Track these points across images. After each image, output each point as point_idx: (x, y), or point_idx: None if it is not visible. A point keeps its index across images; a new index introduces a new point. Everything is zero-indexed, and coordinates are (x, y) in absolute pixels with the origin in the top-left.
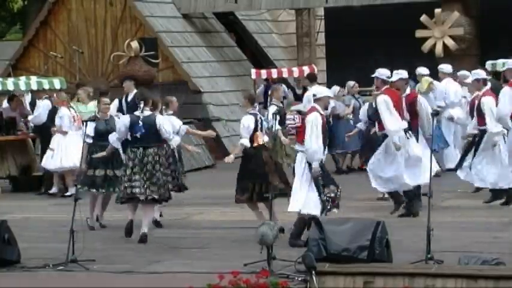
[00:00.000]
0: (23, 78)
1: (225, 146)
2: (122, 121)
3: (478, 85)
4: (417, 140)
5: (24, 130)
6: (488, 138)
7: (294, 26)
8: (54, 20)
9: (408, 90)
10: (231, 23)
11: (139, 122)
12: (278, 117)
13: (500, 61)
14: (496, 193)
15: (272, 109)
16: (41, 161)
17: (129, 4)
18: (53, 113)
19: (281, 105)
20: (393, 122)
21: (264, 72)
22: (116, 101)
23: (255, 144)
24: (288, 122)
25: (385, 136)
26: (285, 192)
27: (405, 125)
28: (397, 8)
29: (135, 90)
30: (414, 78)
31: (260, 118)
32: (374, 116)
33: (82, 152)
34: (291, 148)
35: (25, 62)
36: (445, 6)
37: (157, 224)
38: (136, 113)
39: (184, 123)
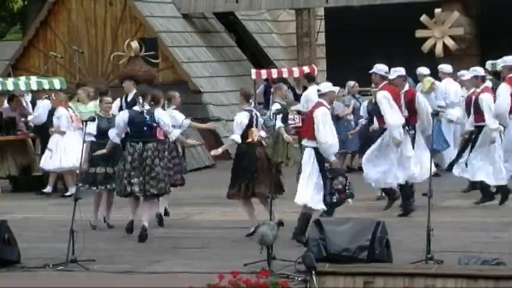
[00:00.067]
0: (23, 78)
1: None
2: (121, 116)
3: (477, 82)
4: (414, 138)
5: (24, 130)
6: (486, 135)
7: (294, 26)
8: (54, 20)
9: (407, 87)
10: (231, 23)
11: (146, 116)
12: (280, 116)
13: (500, 61)
14: (486, 193)
15: (275, 107)
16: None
17: (129, 4)
18: (53, 113)
19: (284, 103)
20: (395, 116)
21: (264, 72)
22: (118, 101)
23: (249, 140)
24: (289, 121)
25: (383, 131)
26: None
27: (403, 119)
28: (397, 8)
29: (134, 90)
30: (415, 78)
31: (256, 115)
32: (373, 111)
33: (82, 152)
34: (294, 147)
35: (25, 62)
36: (445, 6)
37: (160, 219)
38: (135, 108)
39: None
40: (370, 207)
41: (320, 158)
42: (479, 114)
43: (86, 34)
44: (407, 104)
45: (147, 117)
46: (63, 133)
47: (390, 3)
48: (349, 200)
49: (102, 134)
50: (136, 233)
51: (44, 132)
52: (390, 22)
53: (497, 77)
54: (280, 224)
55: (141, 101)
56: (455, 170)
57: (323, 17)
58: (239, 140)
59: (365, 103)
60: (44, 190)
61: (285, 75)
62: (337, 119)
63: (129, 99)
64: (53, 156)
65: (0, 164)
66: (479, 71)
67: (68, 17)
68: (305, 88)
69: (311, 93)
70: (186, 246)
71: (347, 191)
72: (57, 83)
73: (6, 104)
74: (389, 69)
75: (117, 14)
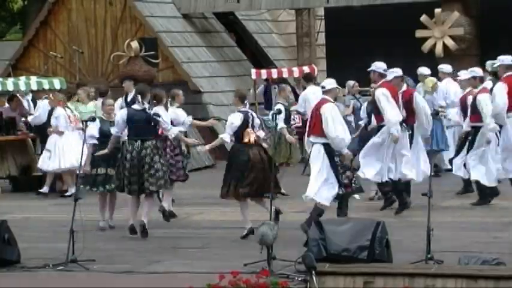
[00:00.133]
0: (23, 78)
1: (225, 146)
2: (120, 115)
3: (475, 82)
4: (412, 139)
5: (24, 130)
6: (483, 135)
7: (294, 26)
8: (54, 20)
9: (404, 87)
10: (231, 23)
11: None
12: (282, 116)
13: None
14: (483, 194)
15: (279, 108)
16: None
17: (129, 4)
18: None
19: (287, 104)
20: (393, 113)
21: (264, 72)
22: (119, 101)
23: (245, 141)
24: (291, 122)
25: (380, 128)
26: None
27: (401, 117)
28: (397, 8)
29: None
30: (415, 78)
31: (251, 115)
32: (371, 110)
33: (82, 152)
34: (297, 148)
35: (25, 62)
36: (445, 6)
37: (164, 214)
38: (135, 106)
39: None
40: (370, 207)
41: (330, 153)
42: (476, 115)
43: (86, 34)
44: (405, 104)
45: (146, 115)
46: (61, 133)
47: (390, 3)
48: (356, 195)
49: (104, 136)
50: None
51: (44, 132)
52: (390, 22)
53: (497, 77)
54: (279, 211)
55: (139, 99)
56: (454, 169)
57: (323, 17)
58: (228, 140)
59: (365, 104)
60: (41, 190)
61: (285, 75)
62: None
63: (129, 99)
64: (51, 156)
65: (0, 164)
66: (477, 71)
67: (68, 17)
68: (305, 88)
69: (309, 94)
70: (186, 246)
71: (353, 185)
72: (57, 83)
73: (6, 104)
74: (389, 68)
75: (117, 14)
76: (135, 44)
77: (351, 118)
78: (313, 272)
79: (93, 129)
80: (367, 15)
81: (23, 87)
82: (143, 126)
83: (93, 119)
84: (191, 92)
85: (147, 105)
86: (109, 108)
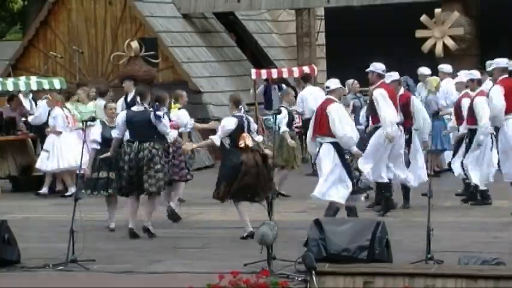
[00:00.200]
0: (23, 78)
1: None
2: (120, 117)
3: (472, 85)
4: (410, 141)
5: (24, 130)
6: (477, 137)
7: (294, 26)
8: (54, 20)
9: (402, 91)
10: (231, 23)
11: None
12: (286, 120)
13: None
14: (483, 195)
15: (282, 112)
16: None
17: (129, 4)
18: None
19: (291, 109)
20: (390, 113)
21: (264, 72)
22: (120, 101)
23: (241, 146)
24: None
25: (377, 129)
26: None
27: (398, 119)
28: (397, 8)
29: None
30: (415, 78)
31: (246, 121)
32: (369, 111)
33: (82, 152)
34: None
35: (25, 62)
36: (445, 6)
37: (171, 213)
38: (134, 108)
39: None
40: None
41: (340, 152)
42: (473, 118)
43: (86, 34)
44: (402, 107)
45: (145, 116)
46: (59, 133)
47: (390, 3)
48: (362, 198)
49: (106, 141)
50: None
51: (44, 132)
52: (390, 22)
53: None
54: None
55: (139, 100)
56: (455, 173)
57: (323, 17)
58: (217, 142)
59: (364, 108)
60: (40, 192)
61: (285, 75)
62: None
63: (129, 99)
64: (49, 157)
65: (0, 164)
66: (475, 74)
67: (68, 17)
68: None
69: (307, 94)
70: (186, 246)
71: (359, 185)
72: (57, 83)
73: (6, 104)
74: (389, 69)
75: (117, 14)
76: (135, 44)
77: (351, 117)
78: (313, 272)
79: (96, 134)
80: (367, 15)
81: (23, 87)
82: (142, 127)
83: (93, 119)
84: (191, 92)
85: (147, 107)
86: (111, 112)
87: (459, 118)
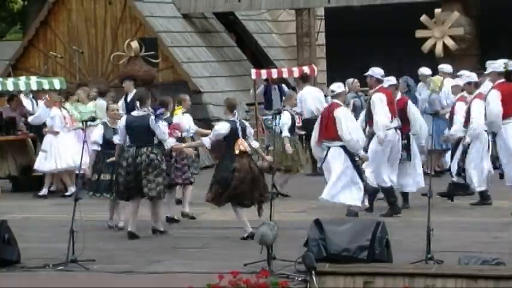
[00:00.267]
0: (23, 78)
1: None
2: (120, 122)
3: (469, 88)
4: (409, 147)
5: (24, 130)
6: (477, 140)
7: (294, 26)
8: (54, 20)
9: (399, 95)
10: (231, 23)
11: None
12: (288, 124)
13: (500, 61)
14: (483, 196)
15: (285, 115)
16: None
17: (129, 4)
18: None
19: (293, 112)
20: (383, 117)
21: (264, 72)
22: (120, 102)
23: (237, 152)
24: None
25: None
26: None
27: (396, 124)
28: (397, 8)
29: (134, 90)
30: (415, 78)
31: (240, 126)
32: (367, 117)
33: (82, 152)
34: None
35: (25, 62)
36: (445, 6)
37: (186, 216)
38: (134, 113)
39: None
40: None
41: (350, 154)
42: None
43: (86, 34)
44: (399, 112)
45: (144, 121)
46: (56, 133)
47: (390, 3)
48: (366, 202)
49: (108, 143)
50: (142, 234)
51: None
52: (390, 22)
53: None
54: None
55: (138, 105)
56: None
57: (323, 17)
58: (207, 144)
59: (363, 112)
60: (40, 193)
61: (285, 75)
62: None
63: (128, 99)
64: (47, 157)
65: (0, 164)
66: (472, 77)
67: (68, 17)
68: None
69: (306, 94)
70: (186, 246)
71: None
72: (57, 83)
73: (6, 104)
74: (390, 71)
75: (117, 14)
76: (135, 44)
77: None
78: (313, 272)
79: (97, 135)
80: (367, 15)
81: (23, 87)
82: (141, 132)
83: (93, 119)
84: (191, 92)
85: (146, 110)
86: (113, 114)
87: (451, 121)
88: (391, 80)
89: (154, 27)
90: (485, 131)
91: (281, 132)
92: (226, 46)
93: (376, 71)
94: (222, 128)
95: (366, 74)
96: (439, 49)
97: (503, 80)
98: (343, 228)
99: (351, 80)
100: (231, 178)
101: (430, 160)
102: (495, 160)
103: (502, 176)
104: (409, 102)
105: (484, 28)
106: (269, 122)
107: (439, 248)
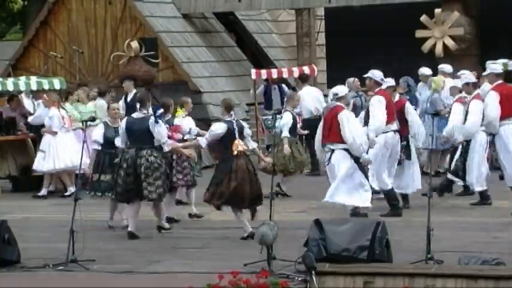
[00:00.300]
0: (23, 78)
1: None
2: (121, 125)
3: (468, 89)
4: (408, 149)
5: (24, 130)
6: (476, 141)
7: (294, 26)
8: (54, 20)
9: (397, 97)
10: (231, 23)
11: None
12: (289, 125)
13: (500, 61)
14: (483, 196)
15: (286, 115)
16: None
17: (129, 4)
18: None
19: (295, 113)
20: (379, 118)
21: (264, 72)
22: (121, 102)
23: (235, 153)
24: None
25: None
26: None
27: (395, 126)
28: (397, 8)
29: (134, 90)
30: (415, 78)
31: (237, 127)
32: (366, 120)
33: (82, 152)
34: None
35: (25, 62)
36: (445, 6)
37: (195, 216)
38: (134, 115)
39: None
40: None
41: (355, 157)
42: None
43: (86, 34)
44: (397, 114)
45: (144, 123)
46: (54, 133)
47: (390, 3)
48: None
49: (108, 143)
50: (141, 234)
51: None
52: (390, 22)
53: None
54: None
55: (138, 107)
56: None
57: (323, 17)
58: (203, 144)
59: (363, 113)
60: (39, 194)
61: (285, 75)
62: None
63: (128, 99)
64: (46, 157)
65: (0, 164)
66: (471, 78)
67: (68, 17)
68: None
69: (305, 94)
70: (186, 246)
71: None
72: (57, 83)
73: (6, 104)
74: (389, 69)
75: (117, 14)
76: (135, 44)
77: None
78: (313, 272)
79: (98, 134)
80: (367, 15)
81: (23, 87)
82: (141, 134)
83: (93, 119)
84: (191, 92)
85: (146, 112)
86: (114, 113)
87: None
88: (389, 81)
89: (154, 27)
90: (485, 131)
91: (281, 132)
92: (226, 46)
93: (375, 74)
94: (218, 128)
95: (366, 75)
96: (439, 49)
97: (501, 81)
98: (343, 228)
99: (351, 79)
100: (228, 179)
101: (430, 160)
102: (494, 161)
103: (502, 177)
104: (407, 104)
105: (484, 28)
106: (269, 122)
107: (439, 248)
